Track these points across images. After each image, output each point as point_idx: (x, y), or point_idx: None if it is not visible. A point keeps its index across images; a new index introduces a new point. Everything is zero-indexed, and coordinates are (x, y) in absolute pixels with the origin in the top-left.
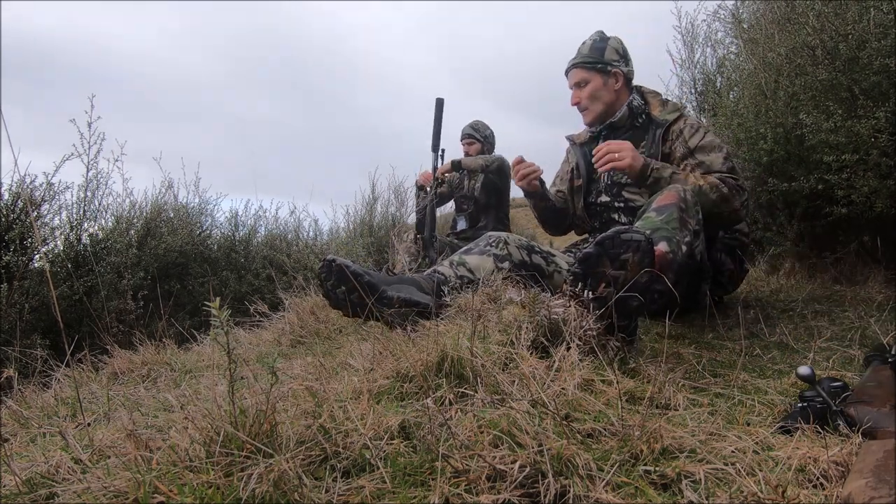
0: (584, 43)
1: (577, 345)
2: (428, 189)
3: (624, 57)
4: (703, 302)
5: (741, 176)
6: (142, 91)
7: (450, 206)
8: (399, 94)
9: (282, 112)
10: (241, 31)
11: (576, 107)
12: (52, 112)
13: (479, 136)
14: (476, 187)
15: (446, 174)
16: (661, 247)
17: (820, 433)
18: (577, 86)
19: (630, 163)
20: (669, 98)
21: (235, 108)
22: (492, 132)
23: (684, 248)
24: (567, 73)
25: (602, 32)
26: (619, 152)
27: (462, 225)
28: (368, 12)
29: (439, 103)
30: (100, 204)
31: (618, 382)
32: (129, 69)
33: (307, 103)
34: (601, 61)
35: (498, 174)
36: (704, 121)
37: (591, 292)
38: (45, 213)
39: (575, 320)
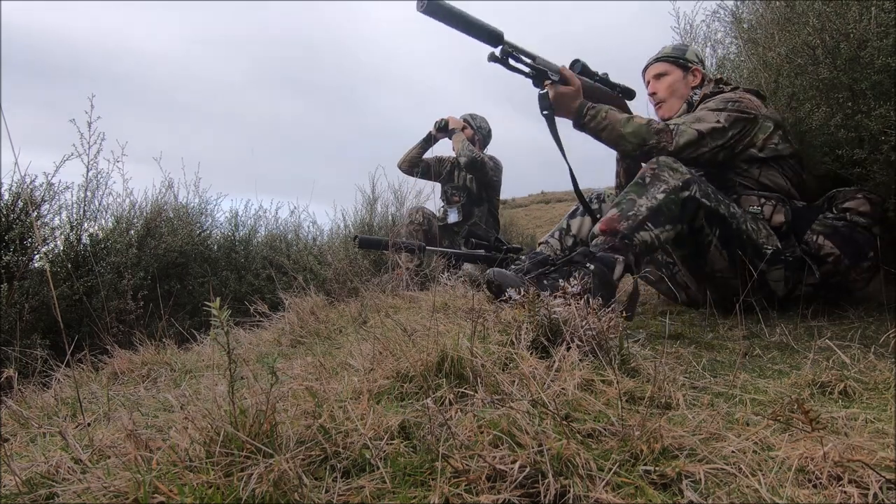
0: (664, 46)
1: (577, 345)
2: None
3: (702, 63)
4: (774, 289)
5: (685, 142)
6: (147, 90)
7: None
8: (407, 94)
9: (283, 111)
10: (250, 36)
11: (651, 98)
12: (52, 111)
13: (473, 124)
14: (468, 177)
15: (455, 124)
16: (611, 212)
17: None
18: (656, 77)
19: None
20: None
21: (237, 108)
22: (488, 128)
23: (648, 200)
24: (645, 70)
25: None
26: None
27: (454, 217)
28: (372, 14)
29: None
30: (100, 204)
31: (618, 382)
32: (135, 68)
33: (308, 102)
34: (683, 58)
35: (470, 169)
36: None
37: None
38: (45, 213)
39: (575, 320)
